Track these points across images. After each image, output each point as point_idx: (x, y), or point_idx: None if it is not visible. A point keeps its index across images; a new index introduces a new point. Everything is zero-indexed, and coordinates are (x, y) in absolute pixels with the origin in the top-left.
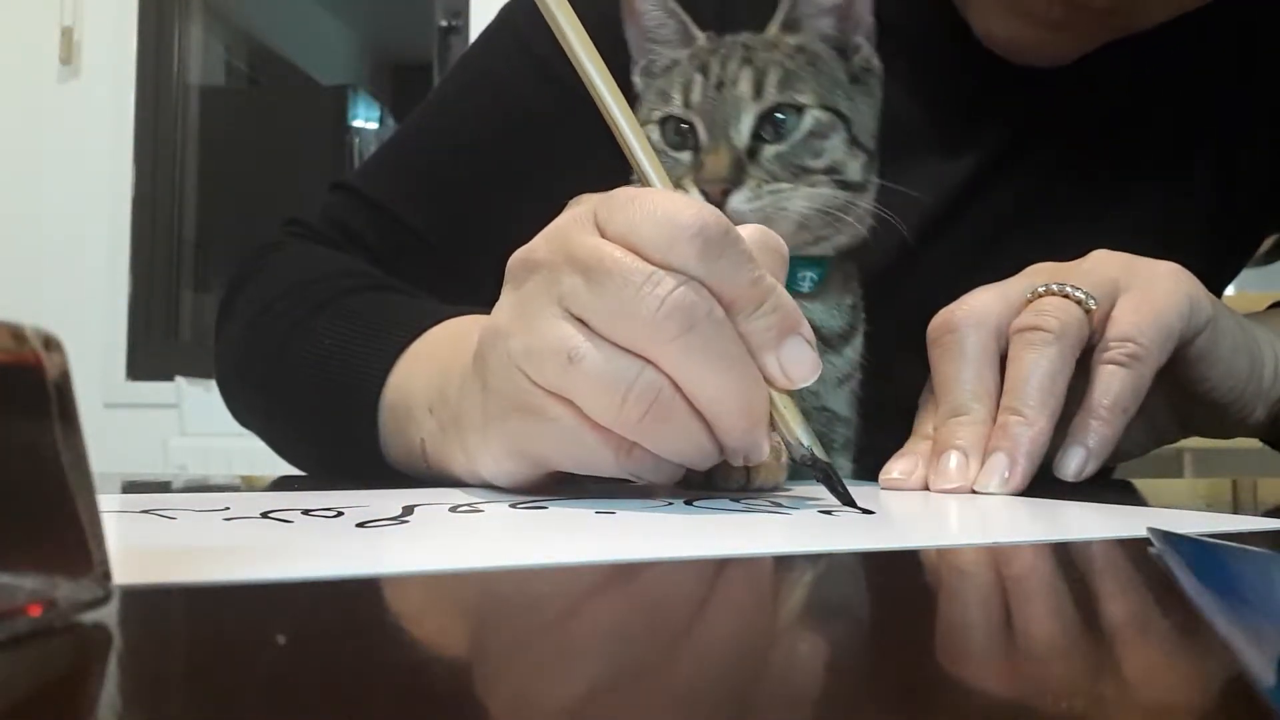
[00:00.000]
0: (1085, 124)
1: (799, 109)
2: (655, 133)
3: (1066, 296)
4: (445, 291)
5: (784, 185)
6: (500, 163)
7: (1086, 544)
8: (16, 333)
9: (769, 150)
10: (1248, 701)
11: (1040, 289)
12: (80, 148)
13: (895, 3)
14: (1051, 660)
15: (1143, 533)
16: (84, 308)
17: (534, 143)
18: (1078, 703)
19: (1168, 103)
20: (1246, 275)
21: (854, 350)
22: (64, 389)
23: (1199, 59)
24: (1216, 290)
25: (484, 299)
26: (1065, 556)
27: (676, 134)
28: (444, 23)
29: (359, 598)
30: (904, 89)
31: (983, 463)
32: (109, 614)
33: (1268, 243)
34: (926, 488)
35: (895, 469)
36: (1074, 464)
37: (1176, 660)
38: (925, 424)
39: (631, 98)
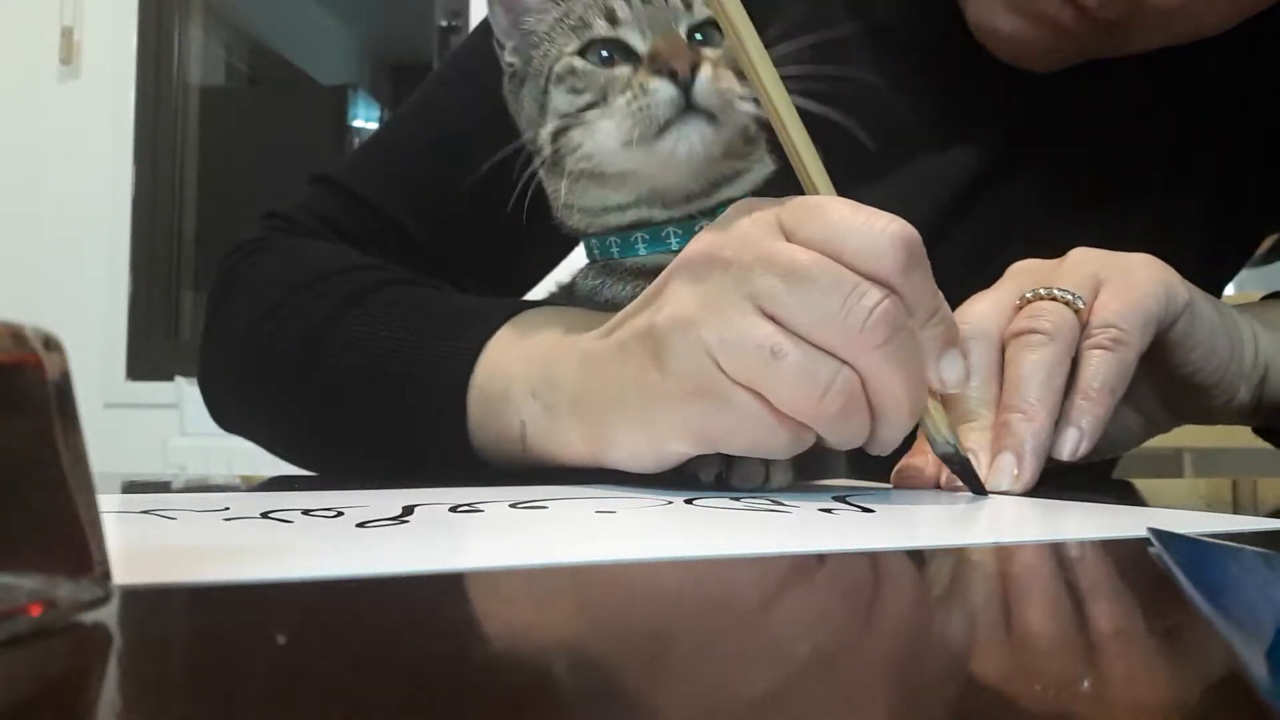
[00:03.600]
0: (1084, 127)
1: (720, 29)
2: (578, 61)
3: (1055, 299)
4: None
5: (732, 75)
6: (486, 156)
7: (1087, 544)
8: (16, 333)
9: (708, 52)
10: (1246, 700)
11: (1029, 294)
12: (80, 148)
13: (891, 2)
14: (1051, 659)
15: (1143, 533)
16: (84, 308)
17: (519, 138)
18: (1078, 701)
19: (1167, 105)
20: (1246, 275)
21: None
22: (64, 389)
23: (1198, 61)
24: (1216, 290)
25: (465, 291)
26: (1065, 556)
27: (601, 60)
28: (444, 23)
29: (359, 598)
30: (901, 88)
31: (991, 462)
32: (109, 614)
33: (1267, 243)
34: (938, 485)
35: (908, 468)
36: (1069, 444)
37: (1175, 659)
38: None
39: (491, 93)
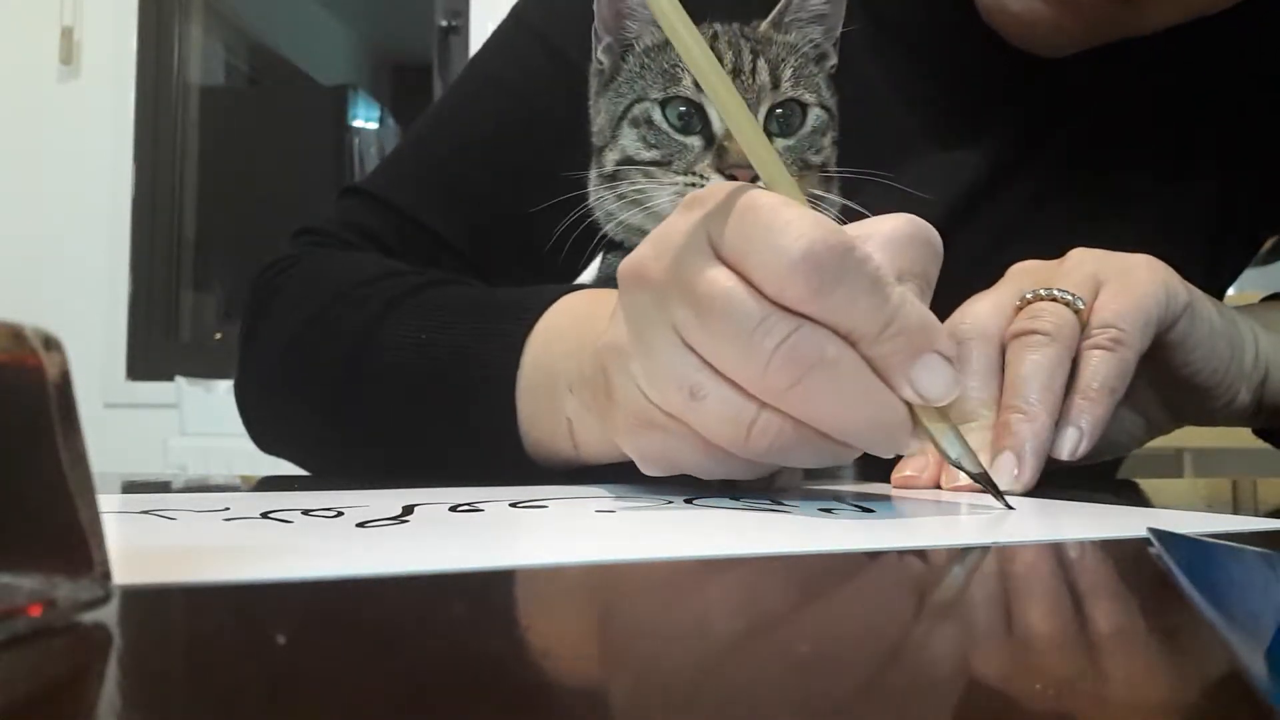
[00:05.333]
0: (1087, 130)
1: (804, 106)
2: (656, 111)
3: (1055, 299)
4: None
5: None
6: (517, 158)
7: (1087, 544)
8: (16, 333)
9: (779, 143)
10: (1246, 700)
11: (1029, 295)
12: (80, 148)
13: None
14: (1051, 659)
15: (1143, 533)
16: (84, 308)
17: (551, 136)
18: (1077, 701)
19: (1170, 107)
20: (1247, 275)
21: None
22: (64, 389)
23: (1201, 62)
24: (1218, 291)
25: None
26: (1065, 556)
27: (679, 118)
28: (444, 23)
29: (359, 598)
30: (903, 85)
31: (991, 462)
32: (109, 614)
33: (1269, 243)
34: (938, 485)
35: (908, 468)
36: (1068, 444)
37: (1175, 659)
38: None
39: (579, 77)
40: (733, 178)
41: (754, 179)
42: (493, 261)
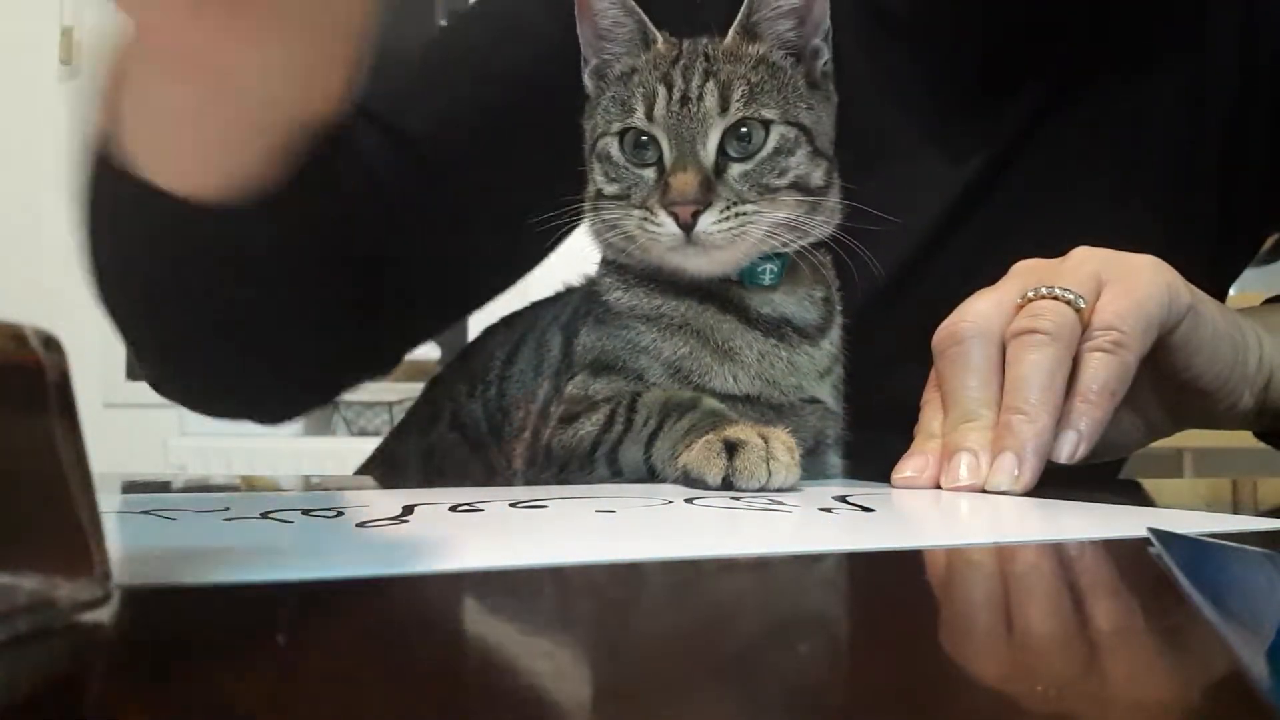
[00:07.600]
0: (1087, 125)
1: (765, 125)
2: (614, 145)
3: (1056, 298)
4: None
5: (749, 207)
6: (507, 91)
7: (1087, 544)
8: (16, 333)
9: (735, 169)
10: (1246, 700)
11: (1031, 293)
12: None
13: None
14: (1051, 658)
15: (1143, 533)
16: (84, 308)
17: (541, 74)
18: (1077, 701)
19: (1171, 104)
20: (1247, 275)
21: (831, 343)
22: (64, 389)
23: (1202, 58)
24: (1220, 292)
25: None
26: (1065, 556)
27: (636, 147)
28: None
29: (359, 598)
30: (901, 83)
31: (992, 462)
32: (109, 614)
33: (1269, 242)
34: (938, 485)
35: (908, 468)
36: (1066, 447)
37: (1174, 658)
38: (931, 422)
39: (581, 98)
40: (674, 215)
41: (694, 214)
42: (449, 163)
